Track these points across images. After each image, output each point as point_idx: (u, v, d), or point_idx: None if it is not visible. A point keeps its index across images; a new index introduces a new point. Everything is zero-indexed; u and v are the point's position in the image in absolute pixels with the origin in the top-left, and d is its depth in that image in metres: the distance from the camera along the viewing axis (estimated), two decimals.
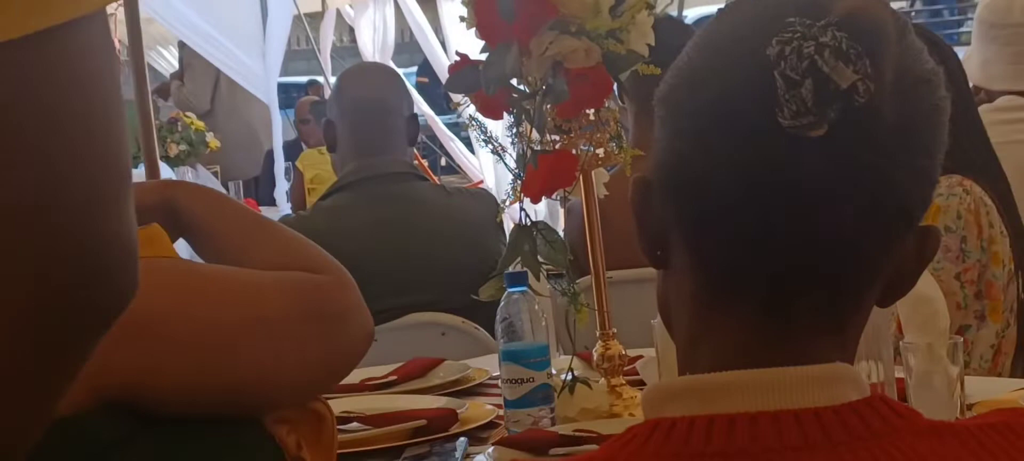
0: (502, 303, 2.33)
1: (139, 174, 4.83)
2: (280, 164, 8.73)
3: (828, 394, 1.01)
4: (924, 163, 1.04)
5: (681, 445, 1.00)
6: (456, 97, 2.41)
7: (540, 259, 2.36)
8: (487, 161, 8.50)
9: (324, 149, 8.48)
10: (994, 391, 2.34)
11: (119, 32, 6.16)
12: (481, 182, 8.07)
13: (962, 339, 2.00)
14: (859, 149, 1.00)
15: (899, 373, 1.99)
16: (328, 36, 10.66)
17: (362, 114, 3.46)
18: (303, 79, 13.79)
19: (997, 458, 1.01)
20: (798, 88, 0.97)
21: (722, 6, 1.11)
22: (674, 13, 8.80)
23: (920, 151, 1.04)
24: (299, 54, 17.15)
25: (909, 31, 1.05)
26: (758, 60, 0.99)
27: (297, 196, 8.22)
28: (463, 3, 2.31)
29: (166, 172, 6.40)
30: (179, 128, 8.24)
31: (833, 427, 0.99)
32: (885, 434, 1.00)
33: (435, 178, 6.67)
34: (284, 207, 8.20)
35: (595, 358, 2.46)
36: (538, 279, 2.38)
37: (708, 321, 1.05)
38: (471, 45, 2.41)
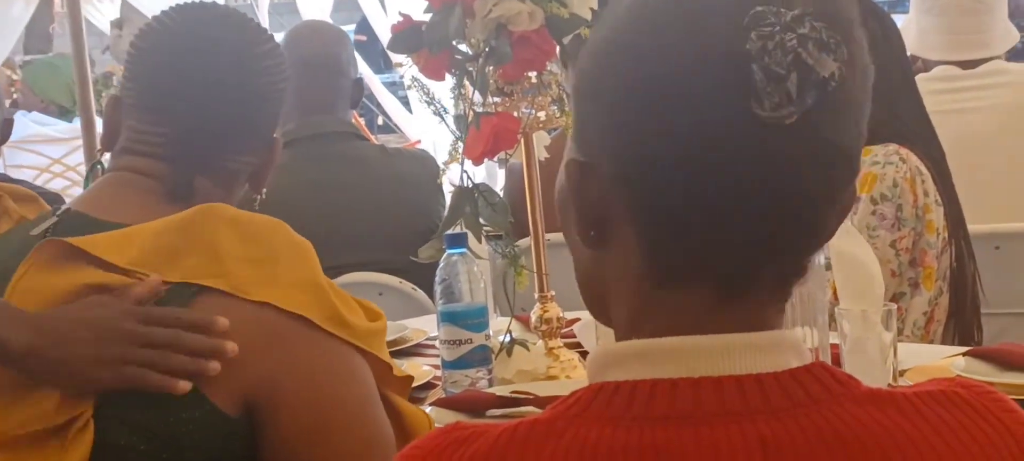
0: (441, 264, 2.33)
1: (75, 128, 4.79)
2: None
3: (770, 361, 1.02)
4: (865, 128, 1.06)
5: (623, 408, 1.01)
6: (398, 57, 2.41)
7: (481, 221, 2.37)
8: (424, 121, 8.47)
9: None
10: (926, 357, 2.37)
11: None
12: (418, 142, 8.05)
13: (896, 306, 2.02)
14: (829, 131, 1.01)
15: (834, 339, 2.02)
16: None
17: (313, 72, 3.42)
18: None
19: (933, 426, 1.02)
20: (783, 82, 0.97)
21: None
22: None
23: (865, 119, 1.05)
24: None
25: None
26: (730, 51, 0.99)
27: None
28: None
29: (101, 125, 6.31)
30: (115, 81, 8.16)
31: (774, 393, 1.00)
32: (824, 400, 1.01)
33: (374, 138, 6.66)
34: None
35: (533, 320, 2.47)
36: (480, 241, 2.39)
37: (656, 300, 1.05)
38: (413, 5, 2.41)
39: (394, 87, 9.16)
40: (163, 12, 1.83)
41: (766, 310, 1.05)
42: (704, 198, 1.01)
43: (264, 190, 1.90)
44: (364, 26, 11.54)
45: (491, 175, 5.43)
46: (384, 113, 9.92)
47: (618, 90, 1.04)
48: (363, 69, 9.41)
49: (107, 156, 1.87)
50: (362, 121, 8.88)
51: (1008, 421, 1.05)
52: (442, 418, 2.13)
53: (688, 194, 1.01)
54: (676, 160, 1.01)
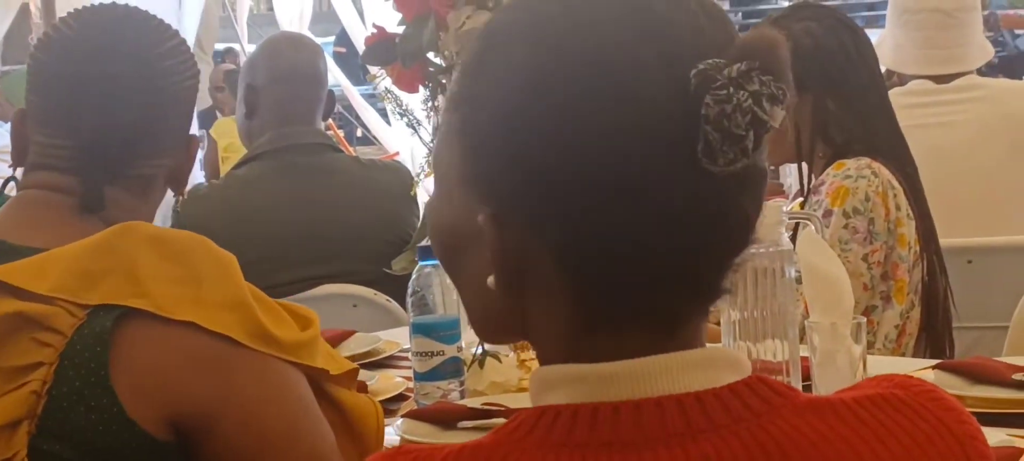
0: (414, 276, 2.33)
1: None
2: (194, 131, 8.65)
3: (709, 377, 1.02)
4: None
5: (565, 434, 1.00)
6: (372, 69, 2.41)
7: None
8: (402, 133, 8.48)
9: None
10: (897, 371, 2.37)
11: None
12: (396, 154, 8.05)
13: (865, 319, 2.03)
14: (759, 165, 1.02)
15: (804, 352, 2.02)
16: (245, 3, 10.59)
17: (294, 84, 3.41)
18: (220, 47, 13.68)
19: (873, 430, 1.02)
20: (742, 141, 0.97)
21: (540, 31, 1.02)
22: None
23: None
24: None
25: None
26: (677, 114, 0.98)
27: (211, 164, 8.17)
28: None
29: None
30: None
31: (715, 410, 1.01)
32: (765, 413, 1.01)
33: (350, 149, 6.65)
34: (198, 175, 8.15)
35: None
36: None
37: (588, 341, 1.03)
38: (389, 17, 2.41)
39: (373, 99, 9.17)
40: (61, 19, 1.81)
41: (697, 329, 1.05)
42: (643, 249, 1.00)
43: (186, 189, 1.88)
44: (343, 38, 11.56)
45: None
46: (363, 125, 9.93)
47: (538, 149, 1.00)
48: (342, 81, 9.44)
49: (20, 171, 1.84)
50: (341, 133, 8.90)
51: (948, 420, 1.06)
52: (414, 430, 2.13)
53: (625, 250, 1.00)
54: (613, 219, 1.00)
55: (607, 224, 1.00)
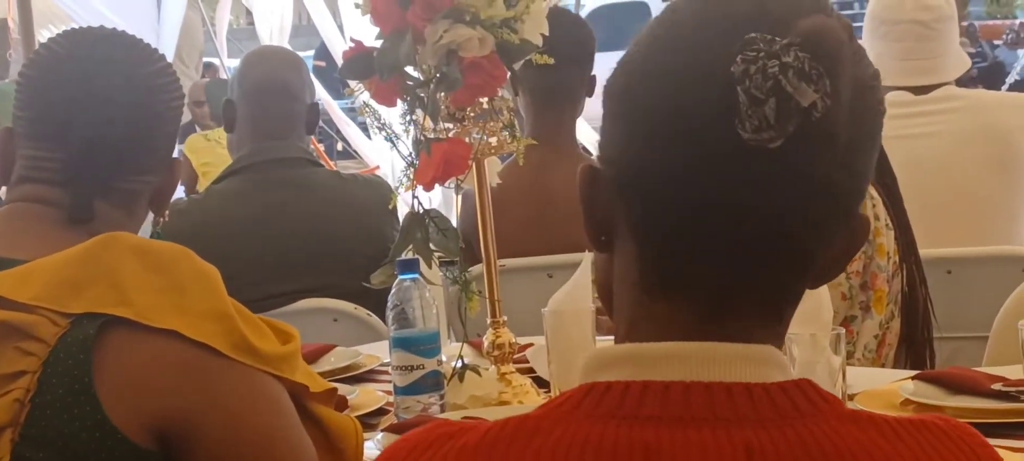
0: (393, 290, 2.33)
1: None
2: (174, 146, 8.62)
3: (760, 372, 1.05)
4: (866, 163, 1.09)
5: (614, 407, 1.03)
6: (351, 83, 2.41)
7: (432, 247, 2.37)
8: (383, 147, 8.47)
9: (209, 134, 8.42)
10: (876, 381, 2.39)
11: (11, 10, 6.07)
12: (377, 168, 8.05)
13: (844, 330, 2.03)
14: (813, 161, 1.04)
15: None
16: (224, 17, 10.57)
17: (267, 97, 3.40)
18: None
19: (911, 449, 1.05)
20: (762, 106, 1.00)
21: (673, 2, 1.13)
22: (570, 5, 8.84)
23: (865, 154, 1.09)
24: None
25: (856, 41, 1.08)
26: (720, 73, 1.02)
27: (189, 178, 8.16)
28: None
29: None
30: None
31: (762, 402, 1.03)
32: (810, 415, 1.04)
33: (331, 163, 6.64)
34: (177, 190, 8.11)
35: (485, 346, 2.47)
36: (430, 267, 2.39)
37: (650, 308, 1.08)
38: (367, 31, 2.40)
39: (353, 113, 9.16)
40: (50, 39, 1.86)
41: (754, 329, 1.07)
42: (690, 213, 1.05)
43: (167, 213, 1.91)
44: (323, 52, 11.55)
45: (447, 201, 5.43)
46: (343, 139, 9.93)
47: (621, 100, 1.09)
48: (322, 95, 9.42)
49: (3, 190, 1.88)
50: (321, 147, 8.89)
51: (982, 453, 1.09)
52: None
53: (676, 208, 1.06)
54: (666, 174, 1.05)
55: (663, 182, 1.06)
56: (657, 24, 1.11)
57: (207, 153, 7.99)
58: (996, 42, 15.95)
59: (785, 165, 1.02)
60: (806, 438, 1.02)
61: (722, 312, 1.06)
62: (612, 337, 1.13)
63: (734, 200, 1.04)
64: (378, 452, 2.10)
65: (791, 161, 1.02)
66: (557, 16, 2.41)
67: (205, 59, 12.50)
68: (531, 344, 2.58)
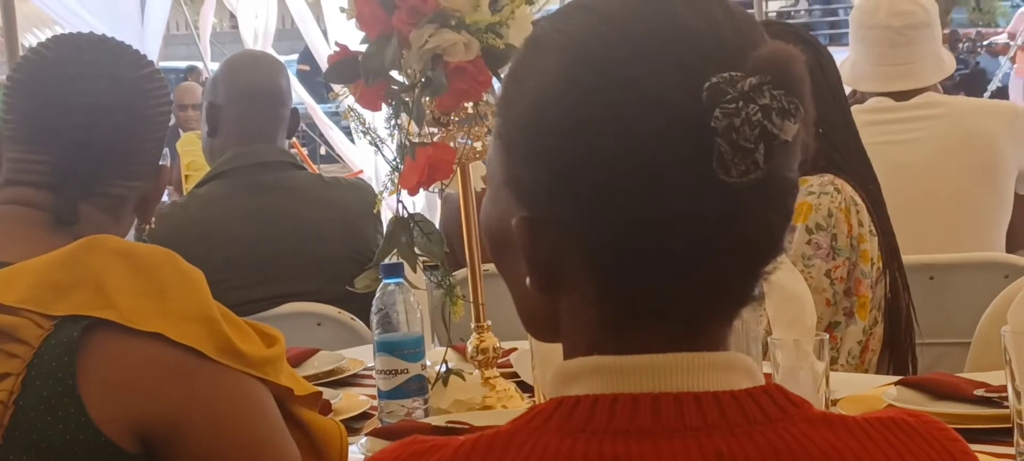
0: (377, 294, 2.33)
1: None
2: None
3: (727, 379, 1.05)
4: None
5: (584, 422, 1.03)
6: (335, 87, 2.41)
7: (417, 251, 2.37)
8: (366, 151, 8.47)
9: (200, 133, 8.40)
10: (859, 387, 2.39)
11: None
12: (361, 172, 8.04)
13: (828, 336, 2.03)
14: (784, 176, 1.04)
15: (767, 368, 2.03)
16: (208, 21, 10.56)
17: (256, 101, 3.40)
18: (182, 64, 13.65)
19: (881, 448, 1.05)
20: (751, 154, 0.99)
21: (574, 41, 1.06)
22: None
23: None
24: (178, 39, 16.95)
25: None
26: (689, 124, 1.00)
27: (174, 179, 8.15)
28: None
29: None
30: None
31: (731, 410, 1.03)
32: (779, 420, 1.04)
33: (314, 167, 6.64)
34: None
35: (469, 350, 2.47)
36: (415, 271, 2.39)
37: (613, 339, 1.07)
38: (352, 35, 2.41)
39: (337, 117, 9.16)
40: (39, 44, 1.87)
41: (718, 333, 1.08)
42: (667, 257, 1.03)
43: (153, 220, 1.91)
44: (307, 56, 11.55)
45: (430, 205, 5.43)
46: (327, 143, 9.92)
47: (568, 155, 1.05)
48: (306, 99, 9.43)
49: None
50: (305, 151, 8.87)
51: (953, 449, 1.09)
52: (378, 448, 2.12)
53: (649, 255, 1.04)
54: (637, 225, 1.03)
55: (630, 228, 1.03)
56: (573, 67, 1.05)
57: (195, 153, 7.98)
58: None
59: (762, 189, 1.02)
60: (776, 443, 1.02)
61: (693, 331, 1.06)
62: None
63: (714, 236, 1.03)
64: (362, 456, 2.10)
65: (770, 186, 1.02)
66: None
67: (187, 62, 12.49)
68: (515, 348, 2.58)
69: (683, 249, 1.03)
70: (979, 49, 15.93)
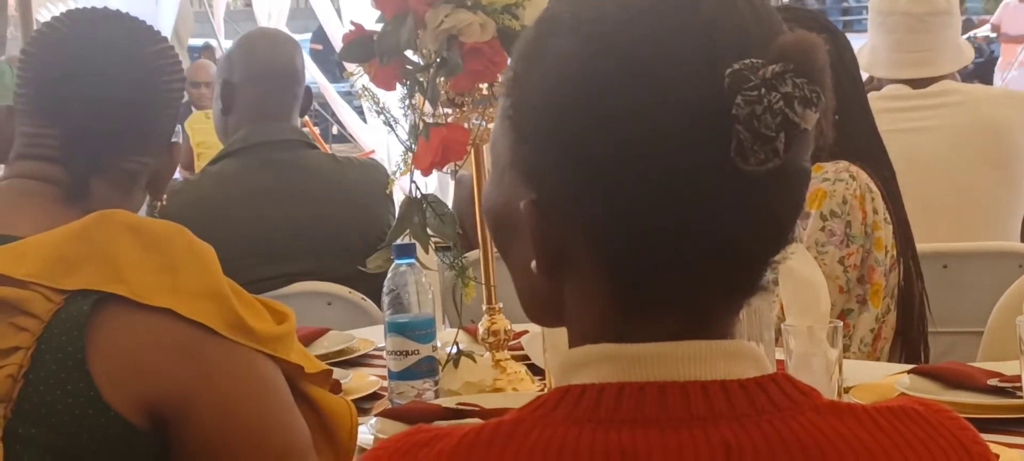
0: (389, 274, 2.32)
1: None
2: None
3: (735, 368, 1.04)
4: None
5: (590, 411, 1.02)
6: (350, 66, 2.40)
7: (429, 232, 2.36)
8: (379, 131, 8.46)
9: (209, 112, 8.40)
10: (872, 375, 2.38)
11: None
12: (372, 152, 8.03)
13: (841, 323, 2.02)
14: (800, 166, 1.04)
15: (780, 355, 2.02)
16: None
17: (271, 80, 3.39)
18: (199, 42, 13.64)
19: (891, 437, 1.04)
20: (772, 142, 0.98)
21: (592, 24, 1.04)
22: None
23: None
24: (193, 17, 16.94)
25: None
26: (708, 111, 0.99)
27: (186, 157, 8.15)
28: None
29: None
30: None
31: (738, 399, 1.02)
32: (787, 409, 1.03)
33: (326, 147, 6.63)
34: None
35: (480, 332, 2.47)
36: (427, 252, 2.38)
37: (620, 324, 1.06)
38: (366, 14, 2.40)
39: (349, 97, 9.16)
40: (53, 18, 1.86)
41: (725, 322, 1.07)
42: (680, 245, 1.02)
43: (165, 197, 1.91)
44: (320, 35, 11.53)
45: (443, 186, 5.43)
46: (339, 123, 9.92)
47: (585, 139, 1.03)
48: (318, 78, 9.42)
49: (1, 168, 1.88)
50: (317, 130, 8.88)
51: (963, 437, 1.08)
52: (388, 429, 2.12)
53: (663, 243, 1.02)
54: (651, 212, 1.02)
55: (641, 214, 1.02)
56: (594, 59, 1.03)
57: (205, 133, 7.98)
58: (993, 36, 15.96)
59: (777, 177, 1.01)
60: (784, 433, 1.02)
61: (701, 320, 1.05)
62: None
63: (728, 223, 1.02)
64: (371, 438, 2.10)
65: (786, 172, 1.01)
66: None
67: (202, 40, 12.49)
68: (526, 331, 2.57)
69: (695, 238, 1.02)
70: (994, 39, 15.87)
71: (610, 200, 1.03)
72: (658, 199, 1.01)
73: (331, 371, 1.84)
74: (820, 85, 1.00)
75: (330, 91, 9.63)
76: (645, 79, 1.02)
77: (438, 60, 2.28)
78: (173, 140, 1.90)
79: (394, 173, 2.44)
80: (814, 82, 1.00)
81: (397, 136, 2.35)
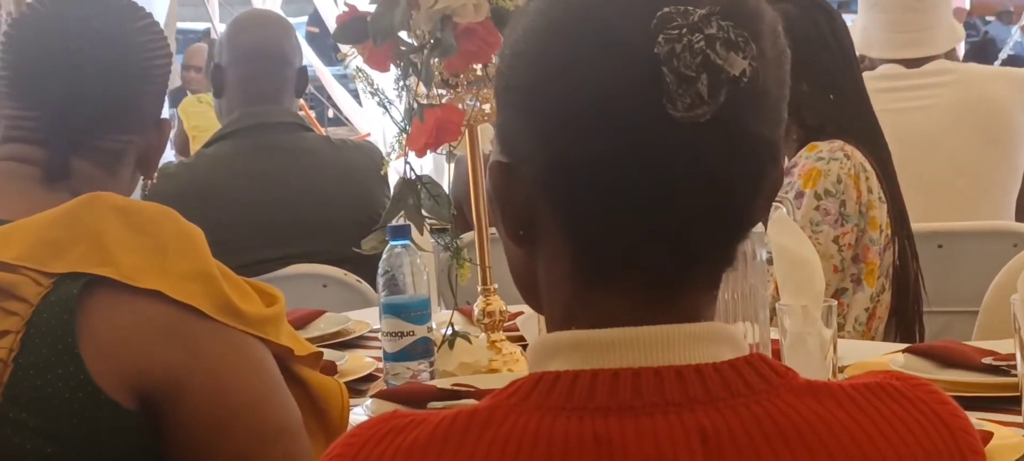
0: (384, 256, 2.32)
1: None
2: (165, 110, 8.61)
3: (709, 351, 1.03)
4: (785, 108, 1.07)
5: (564, 398, 1.02)
6: (344, 48, 2.40)
7: (424, 213, 2.36)
8: (374, 114, 8.46)
9: (202, 97, 8.40)
10: (866, 354, 2.39)
11: None
12: (368, 135, 8.03)
13: (836, 302, 2.03)
14: (747, 125, 1.02)
15: (774, 334, 2.02)
16: None
17: (257, 62, 3.39)
18: (201, 26, 13.60)
19: (869, 416, 1.04)
20: (693, 84, 0.98)
21: None
22: None
23: (784, 100, 1.07)
24: (187, 0, 16.89)
25: None
26: (641, 55, 1.00)
27: (180, 141, 8.14)
28: None
29: None
30: None
31: (713, 383, 1.02)
32: (763, 391, 1.03)
33: (321, 129, 6.63)
34: (168, 153, 8.10)
35: (476, 313, 2.47)
36: (422, 233, 2.38)
37: (586, 298, 1.06)
38: None
39: (345, 80, 9.15)
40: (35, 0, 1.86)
41: (699, 301, 1.07)
42: (625, 198, 1.03)
43: (155, 175, 1.91)
44: (316, 18, 11.52)
45: (438, 167, 5.42)
46: (334, 105, 9.91)
47: (532, 95, 1.05)
48: (314, 61, 9.41)
49: None
50: (312, 113, 8.87)
51: (942, 412, 1.08)
52: (383, 410, 2.12)
53: (609, 195, 1.03)
54: (595, 163, 1.02)
55: (589, 164, 1.03)
56: (549, 9, 1.06)
57: (198, 116, 7.97)
58: (989, 18, 15.94)
59: (721, 133, 1.01)
60: (760, 415, 1.01)
61: (667, 291, 1.05)
62: None
63: (671, 178, 1.02)
64: (367, 417, 2.09)
65: (727, 128, 1.01)
66: None
67: (204, 25, 12.45)
68: (521, 312, 2.57)
69: (640, 191, 1.02)
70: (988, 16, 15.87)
71: (557, 151, 1.04)
72: (601, 146, 1.02)
73: (321, 353, 1.85)
74: (748, 31, 1.00)
75: (326, 74, 9.61)
76: (590, 25, 1.03)
77: (432, 41, 2.28)
78: (162, 117, 1.90)
79: (388, 154, 2.43)
80: (742, 27, 1.00)
81: (392, 117, 2.35)
